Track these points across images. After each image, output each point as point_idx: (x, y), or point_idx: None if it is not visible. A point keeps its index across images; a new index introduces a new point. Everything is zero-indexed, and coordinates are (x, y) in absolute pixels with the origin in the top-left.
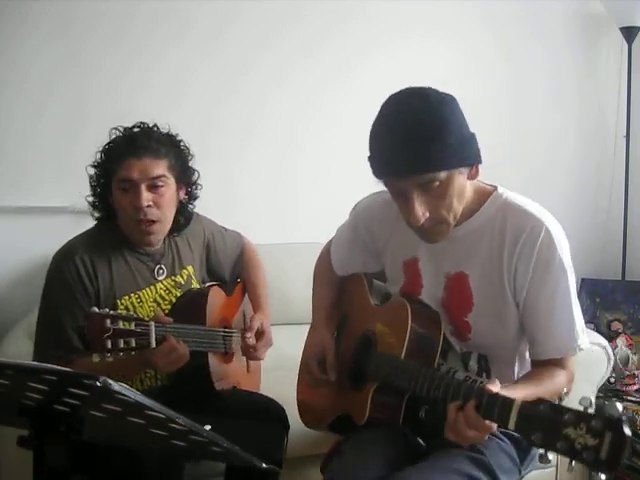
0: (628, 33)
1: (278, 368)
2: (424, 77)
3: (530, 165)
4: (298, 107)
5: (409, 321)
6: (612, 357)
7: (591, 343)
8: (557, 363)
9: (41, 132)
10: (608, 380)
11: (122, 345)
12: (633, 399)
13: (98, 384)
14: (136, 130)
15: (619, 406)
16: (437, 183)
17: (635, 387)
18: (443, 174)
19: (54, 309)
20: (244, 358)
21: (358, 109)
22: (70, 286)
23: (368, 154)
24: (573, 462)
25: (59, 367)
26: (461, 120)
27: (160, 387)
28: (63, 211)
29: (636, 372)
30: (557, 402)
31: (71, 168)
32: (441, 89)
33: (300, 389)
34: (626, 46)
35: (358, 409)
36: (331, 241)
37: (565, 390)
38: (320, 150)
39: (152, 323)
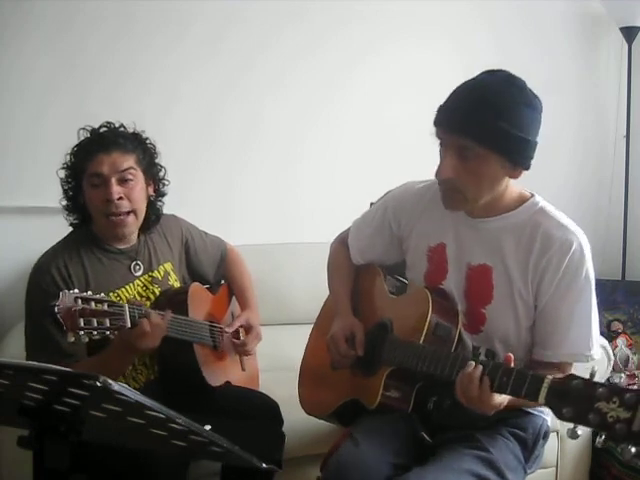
0: (628, 33)
1: (277, 368)
2: (424, 78)
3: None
4: (299, 108)
5: (430, 309)
6: (612, 357)
7: None
8: (558, 367)
9: (41, 132)
10: (608, 380)
11: (95, 324)
12: None
13: (98, 384)
14: (103, 130)
15: None
16: (473, 154)
17: (635, 387)
18: (482, 150)
19: (38, 320)
20: (237, 357)
21: (359, 110)
22: (48, 295)
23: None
24: (602, 437)
25: (59, 367)
26: (531, 123)
27: (152, 382)
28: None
29: (636, 372)
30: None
31: None
32: (441, 89)
33: (305, 375)
34: (626, 46)
35: (370, 393)
36: (344, 233)
37: (596, 368)
38: (320, 151)
39: (126, 305)
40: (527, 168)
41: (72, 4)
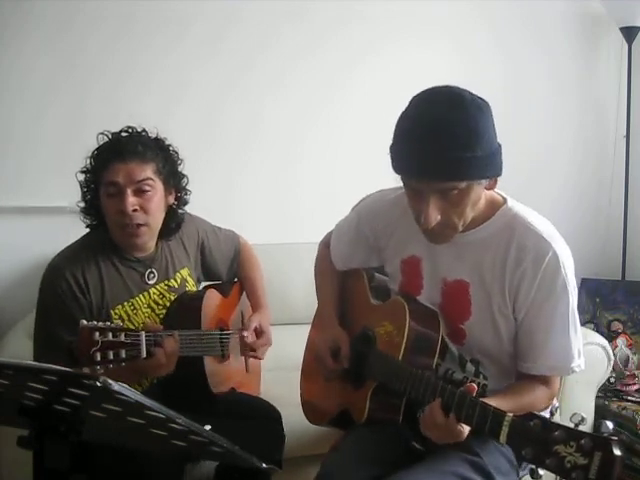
0: (628, 33)
1: (278, 368)
2: (424, 78)
3: (530, 165)
4: (299, 108)
5: (407, 321)
6: (612, 357)
7: (591, 343)
8: (543, 380)
9: (41, 132)
10: (608, 380)
11: (111, 357)
12: (633, 399)
13: (98, 384)
14: (123, 135)
15: (609, 425)
16: (456, 191)
17: (635, 387)
18: (464, 184)
19: (51, 324)
20: (242, 358)
21: (359, 110)
22: (64, 302)
23: (391, 143)
24: (539, 469)
25: (59, 367)
26: (492, 131)
27: (156, 388)
28: (63, 211)
29: (636, 372)
30: (548, 417)
31: (71, 168)
32: None
33: (304, 386)
34: (626, 46)
35: (358, 408)
36: (329, 235)
37: (557, 404)
38: (320, 150)
39: (142, 333)
40: (501, 174)
41: (72, 4)
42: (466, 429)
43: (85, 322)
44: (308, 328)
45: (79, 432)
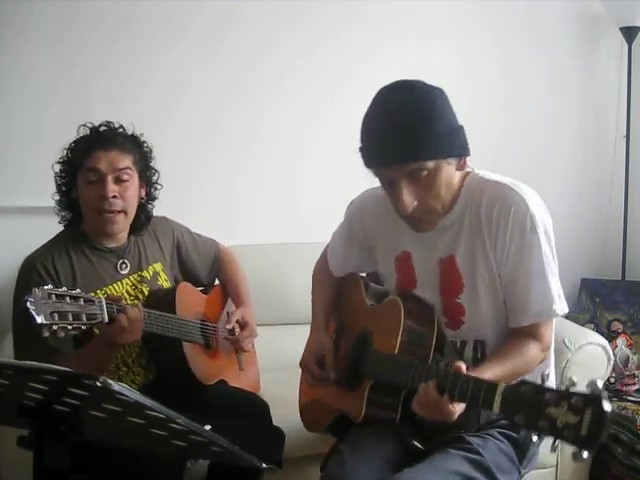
0: (628, 33)
1: (277, 368)
2: (424, 78)
3: (530, 165)
4: (299, 108)
5: (402, 319)
6: (612, 357)
7: (591, 343)
8: (532, 334)
9: (42, 132)
10: (608, 380)
11: (71, 318)
12: (633, 399)
13: (98, 384)
14: (103, 128)
15: (599, 383)
16: (425, 172)
17: (635, 387)
18: (431, 163)
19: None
20: (234, 356)
21: (359, 110)
22: None
23: (359, 145)
24: (557, 442)
25: (59, 367)
26: (449, 112)
27: (151, 384)
28: None
29: (636, 372)
30: (539, 382)
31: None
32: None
33: (301, 394)
34: (626, 46)
35: (355, 407)
36: (328, 244)
37: (547, 371)
38: (320, 151)
39: (102, 299)
40: (469, 153)
41: (72, 4)
42: (457, 409)
43: (42, 287)
44: (308, 328)
45: (79, 432)
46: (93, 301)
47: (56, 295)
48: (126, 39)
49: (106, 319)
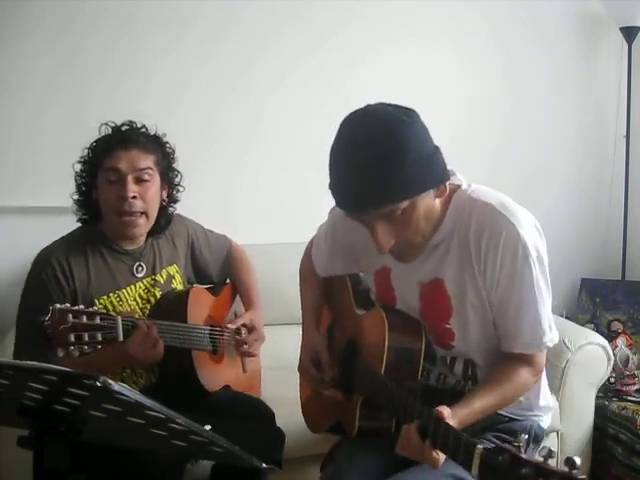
0: (628, 33)
1: (278, 368)
2: (425, 78)
3: (530, 165)
4: (299, 108)
5: (386, 336)
6: (612, 357)
7: (591, 343)
8: (524, 359)
9: (42, 132)
10: (608, 380)
11: (87, 339)
12: (633, 399)
13: (98, 384)
14: (125, 127)
15: (577, 460)
16: (399, 212)
17: (635, 387)
18: (405, 203)
19: (31, 309)
20: (239, 358)
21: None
22: (46, 286)
23: (329, 181)
24: None
25: (59, 367)
26: (422, 137)
27: (153, 385)
28: (63, 211)
29: (636, 372)
30: (520, 446)
31: (71, 168)
32: (441, 90)
33: (302, 395)
34: (626, 46)
35: (349, 420)
36: (312, 241)
37: (525, 436)
38: (320, 151)
39: (118, 317)
40: (448, 178)
41: (72, 4)
42: (442, 457)
43: (58, 305)
44: None
45: (79, 432)
46: (110, 318)
47: (73, 314)
48: (126, 39)
49: (121, 337)
